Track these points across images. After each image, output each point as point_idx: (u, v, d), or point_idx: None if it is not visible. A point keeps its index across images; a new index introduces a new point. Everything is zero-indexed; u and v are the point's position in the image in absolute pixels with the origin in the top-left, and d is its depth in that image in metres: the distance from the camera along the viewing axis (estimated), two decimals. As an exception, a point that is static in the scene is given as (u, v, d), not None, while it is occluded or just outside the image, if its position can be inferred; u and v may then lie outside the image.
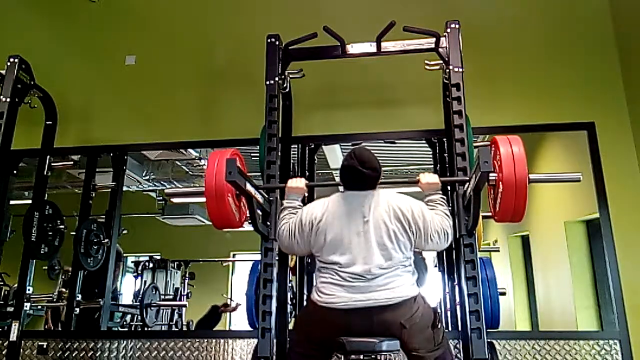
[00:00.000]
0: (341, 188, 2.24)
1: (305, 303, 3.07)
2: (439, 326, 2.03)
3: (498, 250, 4.19)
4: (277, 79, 2.64)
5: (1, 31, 4.12)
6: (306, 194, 2.46)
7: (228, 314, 5.47)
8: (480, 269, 2.17)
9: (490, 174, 2.20)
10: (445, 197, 2.26)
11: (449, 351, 2.08)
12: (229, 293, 6.26)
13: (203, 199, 2.23)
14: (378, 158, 2.21)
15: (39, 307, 3.90)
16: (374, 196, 2.13)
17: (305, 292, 3.19)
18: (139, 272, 5.51)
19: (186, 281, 5.48)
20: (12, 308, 3.11)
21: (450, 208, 2.26)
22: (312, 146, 3.49)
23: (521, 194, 2.05)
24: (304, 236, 2.13)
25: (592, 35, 3.49)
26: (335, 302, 1.98)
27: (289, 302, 2.84)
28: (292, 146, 3.10)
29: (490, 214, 2.44)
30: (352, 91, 3.60)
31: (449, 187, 2.68)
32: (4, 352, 3.01)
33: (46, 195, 3.30)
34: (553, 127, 3.33)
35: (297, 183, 2.33)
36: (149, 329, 4.40)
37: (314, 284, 2.10)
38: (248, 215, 2.42)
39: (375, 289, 1.98)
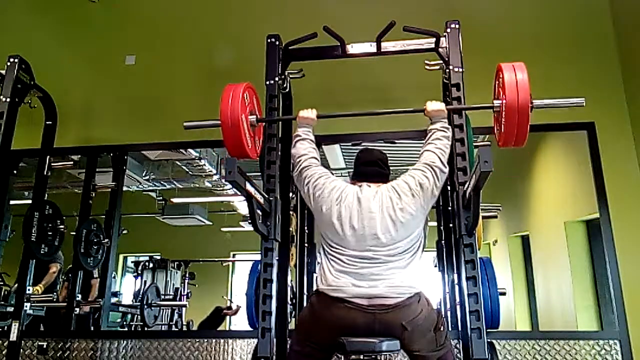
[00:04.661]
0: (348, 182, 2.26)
1: (306, 302, 3.07)
2: (442, 328, 2.02)
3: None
4: (277, 79, 2.64)
5: (1, 31, 4.12)
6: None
7: (228, 313, 5.49)
8: (480, 269, 2.17)
9: (495, 101, 2.30)
10: (448, 127, 2.27)
11: (451, 352, 2.08)
12: (229, 293, 6.27)
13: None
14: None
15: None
16: (383, 188, 2.14)
17: (305, 292, 3.19)
18: (139, 272, 5.53)
19: (186, 281, 5.49)
20: (12, 308, 3.11)
21: (449, 134, 2.26)
22: (312, 146, 3.49)
23: (523, 119, 2.11)
24: (317, 207, 2.13)
25: (592, 35, 3.49)
26: (338, 286, 1.97)
27: (289, 302, 2.84)
28: (292, 146, 3.08)
29: (490, 215, 2.45)
30: (352, 91, 3.60)
31: (449, 187, 2.67)
32: (4, 352, 3.01)
33: (46, 195, 3.30)
34: (553, 127, 3.32)
35: (309, 113, 2.38)
36: (149, 329, 4.41)
37: (317, 270, 2.09)
38: (260, 152, 2.56)
39: (378, 278, 1.97)
